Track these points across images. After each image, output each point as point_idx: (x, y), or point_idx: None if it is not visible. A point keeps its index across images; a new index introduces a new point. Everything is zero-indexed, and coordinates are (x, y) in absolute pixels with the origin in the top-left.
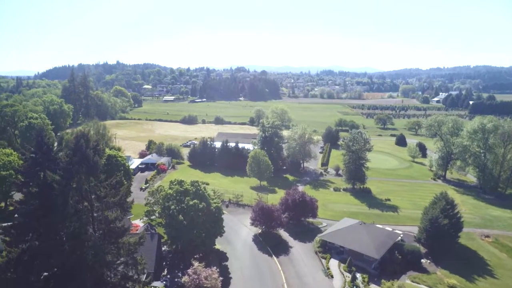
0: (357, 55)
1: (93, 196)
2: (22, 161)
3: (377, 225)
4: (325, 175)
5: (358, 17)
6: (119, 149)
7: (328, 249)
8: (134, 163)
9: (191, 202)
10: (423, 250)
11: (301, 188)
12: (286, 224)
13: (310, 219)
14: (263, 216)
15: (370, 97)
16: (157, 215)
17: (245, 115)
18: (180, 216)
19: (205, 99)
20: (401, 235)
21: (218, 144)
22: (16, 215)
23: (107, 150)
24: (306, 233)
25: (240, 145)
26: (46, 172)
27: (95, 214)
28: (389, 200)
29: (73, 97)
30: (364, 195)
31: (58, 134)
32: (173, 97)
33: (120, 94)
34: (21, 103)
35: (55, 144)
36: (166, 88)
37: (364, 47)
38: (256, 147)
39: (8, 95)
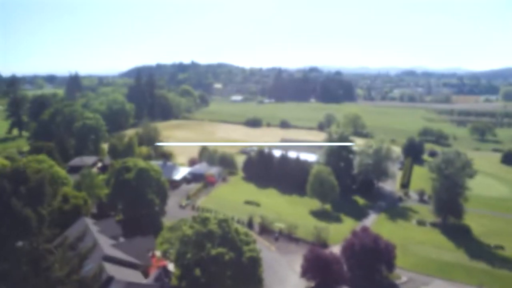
0: (444, 52)
1: (26, 268)
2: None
3: None
4: (405, 200)
5: (443, 9)
6: (170, 155)
7: None
8: (180, 172)
9: (213, 252)
10: None
11: (373, 216)
12: (349, 278)
13: (384, 272)
14: (318, 268)
15: (460, 101)
16: (172, 259)
17: (314, 119)
18: (197, 270)
19: (273, 100)
20: None
21: (277, 153)
22: None
23: (139, 162)
24: None
25: (303, 156)
26: None
27: None
28: (501, 247)
29: (139, 96)
30: (461, 236)
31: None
32: (241, 97)
33: (186, 93)
34: (89, 102)
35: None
36: (236, 87)
37: (452, 43)
38: (320, 159)
39: (83, 94)
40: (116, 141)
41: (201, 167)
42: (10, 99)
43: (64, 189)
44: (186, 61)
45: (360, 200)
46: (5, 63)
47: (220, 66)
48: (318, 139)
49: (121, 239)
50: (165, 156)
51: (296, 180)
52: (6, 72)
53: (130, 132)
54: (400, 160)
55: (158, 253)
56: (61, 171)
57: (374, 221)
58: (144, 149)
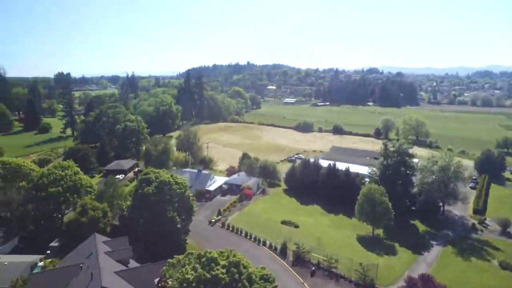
0: None
1: None
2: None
3: None
4: (481, 230)
5: None
6: (209, 161)
7: None
8: (216, 182)
9: None
10: None
11: (437, 250)
12: None
13: None
14: None
15: None
16: None
17: (370, 124)
18: None
19: (328, 103)
20: None
21: (325, 164)
22: None
23: (162, 173)
24: None
25: (353, 168)
26: None
27: None
28: None
29: (187, 97)
30: None
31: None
32: (295, 100)
33: (237, 95)
34: (139, 103)
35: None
36: (290, 89)
37: None
38: (373, 174)
39: (136, 95)
40: (150, 146)
41: (239, 177)
42: (65, 100)
43: (84, 199)
44: (242, 62)
45: (421, 226)
46: (76, 65)
47: (275, 67)
48: (374, 147)
49: (131, 262)
50: (205, 162)
51: (344, 197)
52: (77, 74)
53: (175, 134)
54: (473, 178)
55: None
56: (86, 179)
57: (438, 256)
58: (181, 155)
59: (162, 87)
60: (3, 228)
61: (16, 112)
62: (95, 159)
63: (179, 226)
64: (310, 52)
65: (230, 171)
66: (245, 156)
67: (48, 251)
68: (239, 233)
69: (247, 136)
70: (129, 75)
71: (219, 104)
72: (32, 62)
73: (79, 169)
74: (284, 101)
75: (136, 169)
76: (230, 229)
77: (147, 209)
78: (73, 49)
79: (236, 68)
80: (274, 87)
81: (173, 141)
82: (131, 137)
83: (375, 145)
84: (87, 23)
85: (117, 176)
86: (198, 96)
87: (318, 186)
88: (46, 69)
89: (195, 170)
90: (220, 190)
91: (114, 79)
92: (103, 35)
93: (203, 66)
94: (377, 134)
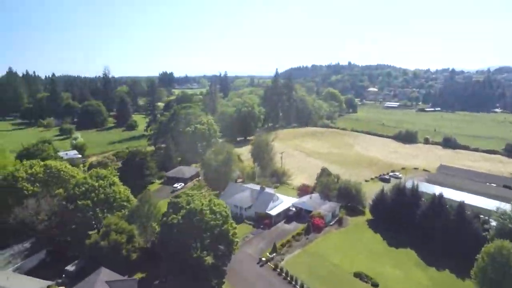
0: None
1: None
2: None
3: None
4: None
5: None
6: (283, 173)
7: None
8: (280, 205)
9: None
10: None
11: None
12: None
13: None
14: None
15: None
16: None
17: (498, 137)
18: None
19: (439, 109)
20: None
21: (428, 189)
22: None
23: (196, 199)
24: None
25: (471, 200)
26: None
27: None
28: None
29: (274, 99)
30: None
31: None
32: (398, 104)
33: (331, 97)
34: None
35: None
36: (394, 91)
37: None
38: (505, 217)
39: (225, 95)
40: (211, 155)
41: (310, 200)
42: (149, 99)
43: (110, 218)
44: (343, 62)
45: None
46: (178, 65)
47: (379, 67)
48: (504, 170)
49: None
50: (276, 175)
51: (454, 243)
52: (181, 73)
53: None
54: None
55: None
56: (122, 192)
57: None
58: (248, 166)
59: (255, 87)
60: (32, 239)
61: (115, 109)
62: (159, 163)
63: (210, 263)
64: (419, 50)
65: (302, 190)
66: (323, 172)
67: (64, 275)
68: (293, 282)
69: (336, 144)
70: (221, 74)
71: (308, 106)
72: (143, 62)
73: (116, 180)
74: (385, 104)
75: (199, 177)
76: (283, 275)
77: (172, 241)
78: (182, 49)
79: (335, 69)
80: (375, 89)
81: (247, 147)
82: (202, 141)
83: (506, 167)
84: (205, 24)
85: (175, 185)
86: (287, 97)
87: (416, 222)
88: (153, 68)
89: (258, 187)
90: (285, 215)
91: (213, 78)
92: (219, 35)
93: (301, 66)
94: (509, 152)
